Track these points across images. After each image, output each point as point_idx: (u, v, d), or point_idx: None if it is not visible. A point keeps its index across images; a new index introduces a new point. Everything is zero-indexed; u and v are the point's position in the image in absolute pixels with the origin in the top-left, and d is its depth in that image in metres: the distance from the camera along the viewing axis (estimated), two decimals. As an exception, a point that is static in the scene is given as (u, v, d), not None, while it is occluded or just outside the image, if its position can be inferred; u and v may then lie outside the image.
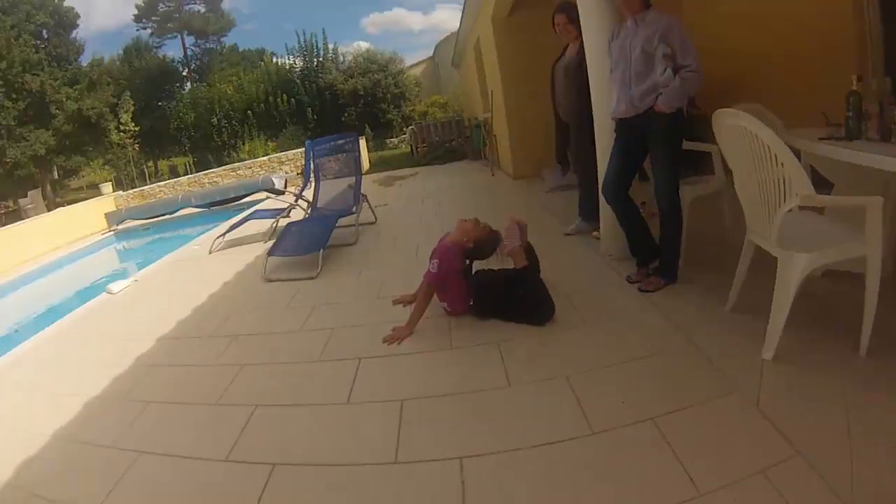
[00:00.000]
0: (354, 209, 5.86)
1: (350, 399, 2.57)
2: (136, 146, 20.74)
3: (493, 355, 2.77)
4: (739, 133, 2.35)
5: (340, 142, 6.67)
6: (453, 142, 12.37)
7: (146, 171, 21.41)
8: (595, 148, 3.89)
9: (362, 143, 12.54)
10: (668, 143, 3.11)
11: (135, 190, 14.50)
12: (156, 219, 11.38)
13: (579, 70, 4.11)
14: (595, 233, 4.45)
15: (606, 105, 3.52)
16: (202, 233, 8.17)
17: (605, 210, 3.79)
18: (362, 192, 6.22)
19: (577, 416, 2.18)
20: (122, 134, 19.98)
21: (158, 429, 2.61)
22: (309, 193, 6.68)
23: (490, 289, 3.30)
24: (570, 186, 6.47)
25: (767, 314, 2.38)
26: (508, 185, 8.19)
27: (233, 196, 11.13)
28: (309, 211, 6.30)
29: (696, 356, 2.49)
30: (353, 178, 6.24)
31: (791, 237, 2.34)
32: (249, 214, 6.97)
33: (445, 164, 11.36)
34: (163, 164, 23.36)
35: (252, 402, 2.66)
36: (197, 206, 11.17)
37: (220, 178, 13.87)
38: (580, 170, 4.54)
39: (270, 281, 4.68)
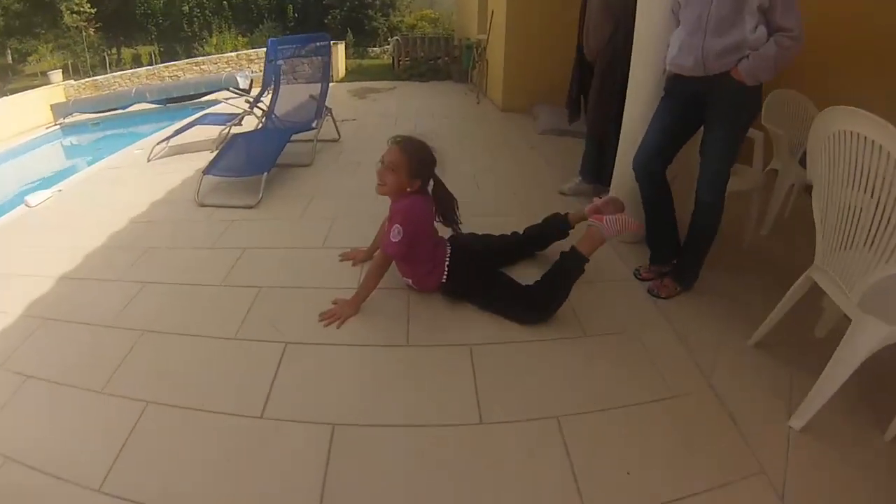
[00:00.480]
0: (315, 124, 4.90)
1: (265, 412, 1.85)
2: (94, 31, 18.63)
3: (462, 367, 2.06)
4: (853, 142, 1.61)
5: (310, 44, 5.55)
6: (439, 60, 11.11)
7: (107, 59, 19.43)
8: (622, 100, 3.08)
9: (339, 48, 11.25)
10: (735, 122, 2.33)
11: (87, 79, 12.99)
12: (106, 113, 10.15)
13: (625, 1, 3.23)
14: (599, 199, 3.71)
15: (655, 52, 2.67)
16: (157, 130, 6.96)
17: (624, 183, 3.01)
18: (328, 104, 5.25)
19: (568, 488, 1.54)
20: (75, 16, 17.78)
21: (30, 423, 1.90)
22: (267, 101, 5.61)
23: (474, 263, 2.54)
24: (566, 132, 5.59)
25: (797, 360, 2.08)
26: (495, 116, 7.15)
27: (192, 93, 10.08)
28: (263, 121, 5.29)
29: (716, 410, 1.89)
30: (319, 87, 5.25)
31: (871, 296, 1.66)
32: (198, 118, 5.94)
33: (428, 82, 10.17)
34: (126, 53, 21.05)
35: (143, 395, 1.95)
36: (152, 102, 10.12)
37: (181, 71, 12.48)
38: (594, 122, 3.73)
39: (203, 206, 3.79)
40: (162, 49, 19.37)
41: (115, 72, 14.42)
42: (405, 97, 8.47)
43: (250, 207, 3.69)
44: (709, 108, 2.35)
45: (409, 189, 2.37)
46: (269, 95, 5.57)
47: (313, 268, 2.85)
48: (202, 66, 12.56)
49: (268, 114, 5.17)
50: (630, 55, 2.97)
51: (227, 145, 4.31)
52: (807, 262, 1.98)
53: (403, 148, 2.35)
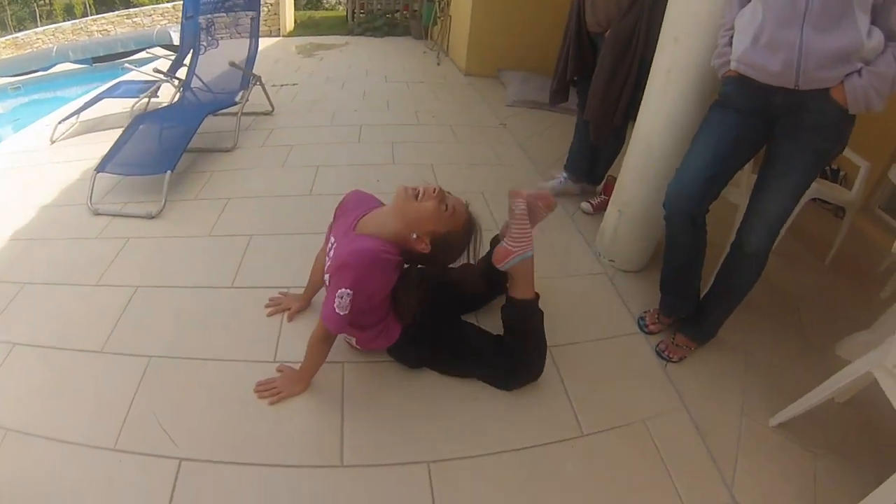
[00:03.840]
0: (239, 97, 3.97)
1: None
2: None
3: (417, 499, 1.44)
4: None
5: (235, -6, 4.48)
6: (397, 13, 9.95)
7: (37, 10, 17.38)
8: (636, 92, 2.34)
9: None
10: (822, 159, 1.64)
11: (8, 37, 11.35)
12: (27, 76, 8.87)
13: None
14: (589, 204, 2.99)
15: (703, 35, 1.91)
16: (85, 92, 5.76)
17: (631, 200, 2.35)
18: (262, 67, 4.31)
19: None
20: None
21: None
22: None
23: (436, 321, 1.81)
24: (540, 105, 4.72)
25: (821, 442, 1.76)
26: (458, 81, 6.11)
27: (120, 50, 8.96)
28: (180, 92, 4.25)
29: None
30: (245, 51, 4.28)
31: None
32: (108, 88, 4.89)
33: (383, 37, 9.04)
34: (58, 3, 18.94)
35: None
36: (76, 62, 8.93)
37: (112, 25, 10.91)
38: (597, 120, 2.71)
39: (98, 214, 2.89)
40: (97, -3, 17.41)
41: (43, 26, 12.77)
42: (357, 56, 7.40)
43: (151, 217, 2.81)
44: (787, 134, 1.60)
45: (413, 236, 1.59)
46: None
47: (220, 323, 2.05)
48: (135, 19, 11.00)
49: (184, 85, 4.16)
50: (657, 33, 2.14)
51: (127, 132, 3.34)
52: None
53: (463, 215, 1.66)
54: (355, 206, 1.80)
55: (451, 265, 1.72)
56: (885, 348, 1.50)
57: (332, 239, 1.74)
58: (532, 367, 1.77)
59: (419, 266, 1.76)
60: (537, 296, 1.80)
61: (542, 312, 1.81)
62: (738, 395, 1.92)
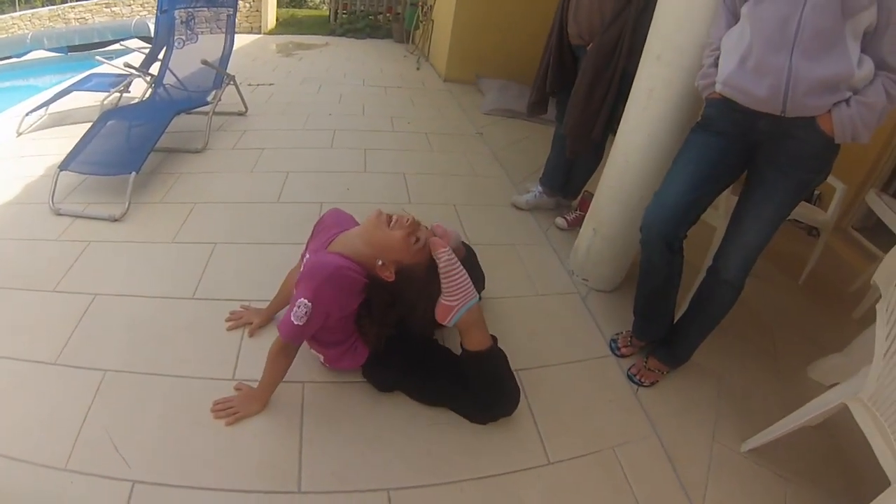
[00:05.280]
0: (211, 97, 3.82)
1: None
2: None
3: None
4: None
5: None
6: (380, 15, 9.81)
7: (15, -7, 16.75)
8: (616, 106, 2.28)
9: (269, -3, 9.74)
10: (804, 187, 1.58)
11: (-19, 20, 10.93)
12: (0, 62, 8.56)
13: None
14: (563, 219, 2.91)
15: (689, 54, 1.85)
16: (59, 82, 5.56)
17: (606, 219, 2.28)
18: (238, 65, 4.18)
19: None
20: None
21: None
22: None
23: (405, 340, 1.72)
24: (517, 114, 4.65)
25: (791, 475, 1.70)
26: (435, 86, 6.01)
27: (96, 40, 8.74)
28: (151, 88, 4.07)
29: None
30: (220, 49, 4.13)
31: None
32: (79, 81, 4.65)
33: (364, 39, 8.90)
34: (37, -13, 18.32)
35: None
36: (51, 50, 8.62)
37: (90, 13, 10.58)
38: (575, 134, 2.62)
39: (59, 214, 2.73)
40: (77, -16, 16.82)
41: (20, 10, 12.29)
42: (336, 57, 7.24)
43: (114, 220, 2.67)
44: (769, 161, 1.54)
45: (378, 262, 1.54)
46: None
47: (179, 337, 1.93)
48: (113, 9, 10.66)
49: (156, 82, 3.99)
50: (640, 46, 2.08)
51: (94, 128, 3.17)
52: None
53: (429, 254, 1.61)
54: (332, 224, 1.76)
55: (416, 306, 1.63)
56: (860, 380, 1.46)
57: (307, 256, 1.70)
58: (506, 404, 1.69)
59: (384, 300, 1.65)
60: (495, 339, 1.70)
61: (504, 354, 1.71)
62: (710, 420, 1.87)
